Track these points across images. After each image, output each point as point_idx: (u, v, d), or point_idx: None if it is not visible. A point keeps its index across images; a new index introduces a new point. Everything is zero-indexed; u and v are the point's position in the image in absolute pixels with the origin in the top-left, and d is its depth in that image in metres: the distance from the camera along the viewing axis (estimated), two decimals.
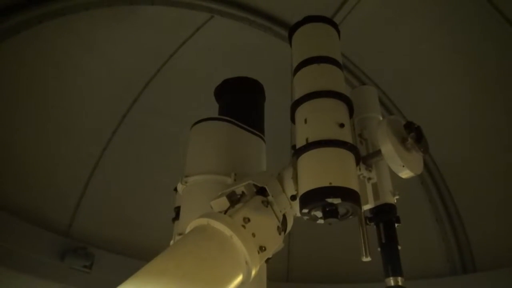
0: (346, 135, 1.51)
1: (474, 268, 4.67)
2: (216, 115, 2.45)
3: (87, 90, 4.62)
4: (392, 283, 1.50)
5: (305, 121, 1.58)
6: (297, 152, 1.54)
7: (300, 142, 1.55)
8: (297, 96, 1.69)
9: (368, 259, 1.52)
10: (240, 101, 2.56)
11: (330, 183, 1.36)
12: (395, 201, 1.65)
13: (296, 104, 1.67)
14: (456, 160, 4.76)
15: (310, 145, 1.48)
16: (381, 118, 1.85)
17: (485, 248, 4.62)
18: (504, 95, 4.40)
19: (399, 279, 1.50)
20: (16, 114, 4.19)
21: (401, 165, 1.48)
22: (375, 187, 1.61)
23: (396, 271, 1.51)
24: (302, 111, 1.63)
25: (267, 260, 1.68)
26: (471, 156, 4.66)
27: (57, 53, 4.34)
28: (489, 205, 4.61)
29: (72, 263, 4.21)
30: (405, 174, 1.53)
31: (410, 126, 1.53)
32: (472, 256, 4.72)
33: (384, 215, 1.62)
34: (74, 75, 4.52)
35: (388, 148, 1.48)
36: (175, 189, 2.35)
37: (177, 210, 2.24)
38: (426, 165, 4.85)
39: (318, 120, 1.56)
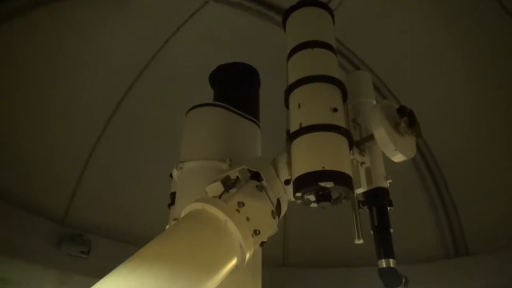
0: (339, 120, 1.51)
1: (466, 252, 4.75)
2: (211, 101, 2.46)
3: (81, 78, 4.58)
4: (384, 264, 1.53)
5: (299, 106, 1.58)
6: (291, 137, 1.55)
7: (293, 127, 1.56)
8: (291, 81, 1.69)
9: (361, 241, 1.54)
10: (235, 87, 2.56)
11: (323, 167, 1.38)
12: (388, 185, 1.67)
13: (289, 89, 1.67)
14: (451, 146, 4.80)
15: (303, 130, 1.49)
16: (375, 103, 1.86)
17: (478, 232, 4.68)
18: (500, 83, 4.41)
19: (391, 261, 1.53)
20: (10, 103, 4.16)
21: (394, 149, 1.50)
22: (368, 171, 1.63)
23: (388, 253, 1.54)
24: (295, 96, 1.64)
25: (262, 244, 1.70)
26: (466, 142, 4.69)
27: (50, 41, 4.29)
28: (482, 191, 4.66)
29: (69, 250, 4.24)
30: (398, 158, 1.54)
31: (402, 111, 1.54)
32: (464, 240, 4.79)
33: (377, 199, 1.64)
34: (68, 63, 4.48)
35: (381, 132, 1.49)
36: (171, 175, 2.36)
37: (173, 196, 2.26)
38: (420, 151, 4.88)
39: (311, 105, 1.57)
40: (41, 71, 4.29)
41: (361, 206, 1.66)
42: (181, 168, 2.16)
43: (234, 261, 1.44)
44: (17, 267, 3.84)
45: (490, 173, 4.58)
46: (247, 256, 1.48)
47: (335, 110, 1.51)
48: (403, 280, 1.55)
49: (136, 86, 4.87)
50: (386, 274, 1.53)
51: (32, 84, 4.26)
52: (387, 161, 1.69)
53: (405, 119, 1.52)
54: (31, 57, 4.24)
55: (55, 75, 4.39)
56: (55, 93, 4.42)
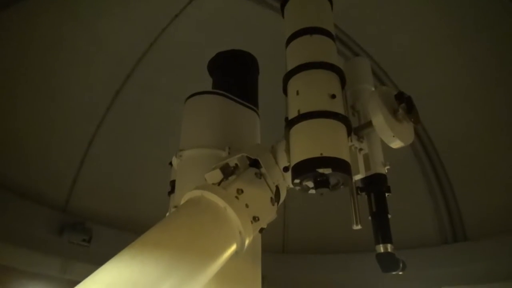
0: (337, 106, 1.52)
1: (464, 237, 4.79)
2: (210, 89, 2.45)
3: (80, 66, 4.56)
4: (381, 250, 1.55)
5: (297, 92, 1.58)
6: (289, 124, 1.56)
7: (292, 114, 1.56)
8: (289, 67, 1.68)
9: (359, 227, 1.56)
10: (234, 75, 2.55)
11: (321, 154, 1.38)
12: (386, 171, 1.68)
13: (288, 75, 1.67)
14: (450, 133, 4.80)
15: (302, 117, 1.49)
16: (373, 90, 1.86)
17: (476, 218, 4.72)
18: (499, 70, 4.39)
19: (389, 246, 1.54)
20: (10, 93, 4.15)
21: (392, 136, 1.50)
22: (366, 157, 1.63)
23: (385, 238, 1.56)
24: (294, 83, 1.64)
25: (261, 231, 1.71)
26: (465, 129, 4.69)
27: (49, 30, 4.26)
28: (480, 177, 4.68)
29: (71, 238, 4.28)
30: (396, 144, 1.55)
31: (400, 97, 1.54)
32: (463, 226, 4.83)
33: (375, 185, 1.65)
34: (66, 52, 4.45)
35: (379, 119, 1.50)
36: (170, 163, 2.37)
37: (173, 184, 2.27)
38: (420, 138, 4.89)
39: (309, 92, 1.57)
40: (40, 60, 4.27)
41: (359, 192, 1.67)
42: (180, 156, 2.17)
43: (233, 247, 1.45)
44: (21, 255, 3.88)
45: (488, 159, 4.59)
46: (247, 242, 1.49)
47: (333, 96, 1.51)
48: (401, 265, 1.56)
49: (134, 75, 4.85)
50: (384, 259, 1.55)
51: (32, 73, 4.24)
52: (386, 148, 1.70)
53: (403, 105, 1.52)
54: (30, 46, 4.21)
55: (54, 64, 4.37)
56: (54, 82, 4.40)
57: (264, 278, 1.98)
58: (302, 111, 1.50)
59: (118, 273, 1.17)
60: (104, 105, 4.74)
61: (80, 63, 4.55)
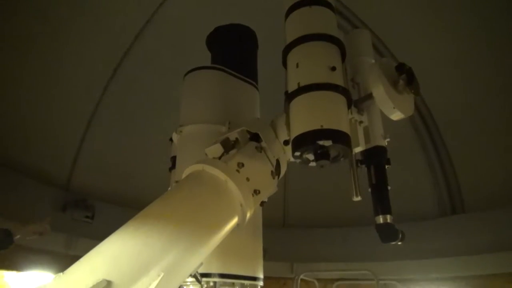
0: (337, 79, 1.51)
1: (463, 209, 4.84)
2: (209, 64, 2.43)
3: (77, 44, 4.49)
4: (381, 221, 1.57)
5: (297, 65, 1.57)
6: (289, 97, 1.55)
7: (292, 87, 1.55)
8: (288, 40, 1.66)
9: (359, 198, 1.57)
10: (233, 49, 2.52)
11: (322, 126, 1.38)
12: (386, 144, 1.68)
13: (287, 48, 1.65)
14: (449, 106, 4.78)
15: (302, 89, 1.49)
16: (373, 62, 1.84)
17: (475, 190, 4.76)
18: (500, 42, 4.33)
19: (388, 217, 1.56)
20: (10, 71, 4.11)
21: (392, 107, 1.50)
22: (366, 130, 1.63)
23: (385, 209, 1.57)
24: (293, 55, 1.62)
25: (262, 204, 1.74)
26: (465, 102, 4.66)
27: (44, 6, 4.17)
28: (479, 150, 4.69)
29: (74, 215, 4.33)
30: (396, 116, 1.55)
31: (401, 68, 1.53)
32: (461, 199, 4.87)
33: (375, 158, 1.66)
34: (63, 30, 4.38)
35: (380, 91, 1.49)
36: (171, 139, 2.38)
37: (173, 159, 2.28)
38: (419, 111, 4.87)
39: (309, 64, 1.55)
40: (38, 39, 4.20)
41: (359, 165, 1.68)
42: (180, 132, 2.18)
43: (235, 220, 1.47)
44: None
45: (488, 132, 4.59)
46: (248, 215, 1.51)
47: (333, 68, 1.50)
48: (400, 235, 1.59)
49: (132, 52, 4.78)
50: (383, 230, 1.57)
51: (30, 52, 4.19)
52: (385, 121, 1.70)
53: (403, 76, 1.51)
54: (27, 24, 4.14)
55: (52, 43, 4.30)
56: (52, 60, 4.34)
57: (265, 251, 2.02)
58: (302, 84, 1.49)
59: (122, 244, 1.19)
60: (102, 83, 4.70)
61: (77, 41, 4.48)
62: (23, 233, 2.58)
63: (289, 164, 1.81)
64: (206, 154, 1.71)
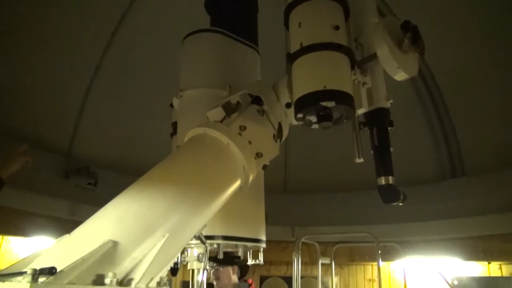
0: (341, 38, 1.47)
1: (463, 173, 4.88)
2: (208, 27, 2.37)
3: (76, 10, 4.36)
4: (383, 182, 1.57)
5: (299, 25, 1.53)
6: (291, 58, 1.52)
7: (294, 48, 1.52)
8: None
9: (361, 160, 1.57)
10: (232, 12, 2.46)
11: (325, 87, 1.36)
12: (389, 105, 1.66)
13: (289, 7, 1.60)
14: (452, 69, 4.70)
15: (304, 50, 1.45)
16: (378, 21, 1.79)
17: (475, 154, 4.77)
18: (501, 4, 4.21)
19: (390, 178, 1.56)
20: (8, 40, 4.02)
21: (397, 67, 1.47)
22: (369, 91, 1.61)
23: (387, 171, 1.57)
24: (295, 15, 1.57)
25: (264, 167, 1.74)
26: (466, 65, 4.59)
27: None
28: (481, 114, 4.66)
29: (77, 182, 4.37)
30: (401, 76, 1.52)
31: (406, 26, 1.49)
32: (462, 162, 4.90)
33: (378, 120, 1.64)
34: None
35: (384, 50, 1.46)
36: (171, 105, 2.35)
37: (174, 125, 2.27)
38: (422, 74, 4.80)
39: (312, 23, 1.51)
40: (36, 4, 4.09)
41: (361, 127, 1.67)
42: (181, 96, 2.15)
43: (237, 183, 1.48)
44: (31, 199, 3.98)
45: (490, 96, 4.55)
46: (251, 177, 1.52)
47: (336, 28, 1.46)
48: (401, 196, 1.60)
49: (129, 16, 4.65)
50: (385, 191, 1.57)
51: (28, 19, 4.08)
52: (387, 84, 1.67)
53: (409, 35, 1.47)
54: None
55: (50, 8, 4.18)
56: (50, 27, 4.24)
57: (267, 215, 2.04)
58: (304, 44, 1.46)
59: (127, 207, 1.20)
60: (100, 48, 4.61)
61: (75, 7, 4.36)
62: (9, 169, 2.51)
63: (291, 129, 1.80)
64: (207, 118, 1.70)
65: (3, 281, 0.90)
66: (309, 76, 1.45)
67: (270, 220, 2.66)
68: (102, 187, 4.46)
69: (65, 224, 4.06)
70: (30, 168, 2.54)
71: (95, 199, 4.21)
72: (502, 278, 4.56)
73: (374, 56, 1.52)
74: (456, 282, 4.67)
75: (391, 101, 1.67)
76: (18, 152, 2.53)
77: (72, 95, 4.65)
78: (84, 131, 4.72)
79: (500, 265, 4.61)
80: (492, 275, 4.65)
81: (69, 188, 4.35)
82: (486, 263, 4.67)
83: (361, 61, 1.59)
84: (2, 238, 4.23)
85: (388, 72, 1.50)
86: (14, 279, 0.91)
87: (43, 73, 4.31)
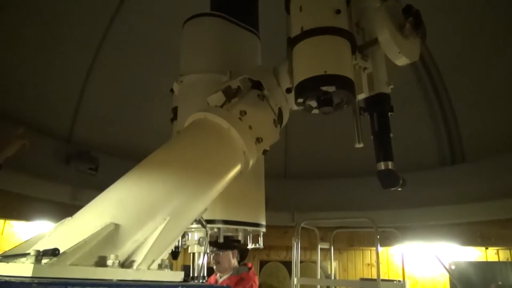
0: (342, 22, 1.45)
1: (463, 159, 4.89)
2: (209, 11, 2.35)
3: None
4: (382, 167, 1.57)
5: (300, 8, 1.51)
6: (292, 42, 1.50)
7: (295, 32, 1.51)
8: None
9: (361, 145, 1.58)
10: None
11: (325, 72, 1.35)
12: (390, 91, 1.66)
13: None
14: (453, 54, 4.67)
15: (305, 34, 1.44)
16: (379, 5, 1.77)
17: (475, 140, 4.77)
18: None
19: (390, 163, 1.56)
20: (7, 24, 3.98)
21: (398, 52, 1.46)
22: (370, 77, 1.60)
23: (387, 156, 1.57)
24: None
25: (265, 152, 1.74)
26: (467, 51, 4.56)
27: None
28: (482, 100, 4.65)
29: (78, 167, 4.37)
30: (402, 61, 1.51)
31: (408, 11, 1.47)
32: (462, 149, 4.90)
33: (378, 105, 1.63)
34: None
35: (385, 34, 1.44)
36: (171, 90, 2.35)
37: (175, 110, 2.26)
38: (423, 59, 4.77)
39: (313, 7, 1.49)
40: None
41: (362, 112, 1.67)
42: (181, 81, 2.14)
43: (238, 167, 1.49)
44: (33, 184, 3.99)
45: (490, 83, 4.52)
46: (251, 162, 1.52)
47: (338, 12, 1.44)
48: (401, 181, 1.61)
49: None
50: (385, 176, 1.58)
51: (28, 4, 4.03)
52: (388, 70, 1.66)
53: (410, 19, 1.46)
54: None
55: None
56: (50, 11, 4.19)
57: (268, 200, 2.05)
58: (305, 28, 1.45)
59: (128, 190, 1.21)
60: (99, 31, 4.56)
61: None
62: (6, 153, 2.50)
63: (290, 115, 1.79)
64: (208, 103, 1.70)
65: (7, 262, 0.92)
66: (309, 61, 1.44)
67: (270, 205, 2.68)
68: (103, 172, 4.47)
69: (67, 209, 4.05)
70: (27, 151, 2.53)
71: (96, 184, 4.21)
72: (499, 263, 4.61)
73: (375, 41, 1.51)
74: (453, 267, 4.73)
75: (391, 86, 1.66)
76: (15, 135, 2.52)
77: (72, 81, 4.63)
78: (84, 116, 4.72)
79: (497, 250, 4.66)
80: (489, 260, 4.71)
81: (71, 173, 4.36)
82: (484, 248, 4.72)
83: (362, 46, 1.57)
84: (5, 222, 4.27)
85: (389, 57, 1.49)
86: (18, 260, 0.93)
87: (42, 56, 4.28)
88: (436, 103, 4.97)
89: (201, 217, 1.44)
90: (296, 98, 1.46)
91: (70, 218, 1.18)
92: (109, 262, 0.99)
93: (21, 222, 4.29)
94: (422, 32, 1.49)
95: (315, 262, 4.76)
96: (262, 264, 6.00)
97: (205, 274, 1.82)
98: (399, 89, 1.77)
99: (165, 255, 1.25)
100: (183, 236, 1.83)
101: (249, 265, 3.31)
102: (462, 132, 4.89)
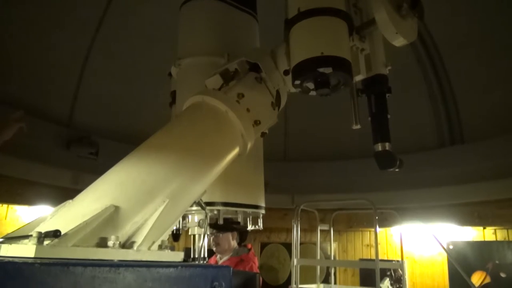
0: (339, 3, 1.45)
1: (462, 140, 4.89)
2: None
3: None
4: (380, 148, 1.58)
5: None
6: (288, 24, 1.50)
7: (291, 14, 1.50)
8: None
9: (358, 126, 1.58)
10: None
11: (322, 53, 1.35)
12: (387, 72, 1.65)
13: None
14: (453, 35, 4.62)
15: (301, 15, 1.43)
16: None
17: (474, 122, 4.77)
18: None
19: (387, 144, 1.58)
20: (4, 7, 3.93)
21: (395, 33, 1.45)
22: (367, 58, 1.60)
23: (384, 137, 1.58)
24: None
25: (263, 135, 1.75)
26: (468, 31, 4.51)
27: None
28: (482, 81, 4.62)
29: (78, 151, 4.39)
30: (399, 42, 1.51)
31: None
32: (461, 130, 4.90)
33: (376, 86, 1.63)
34: None
35: (382, 14, 1.44)
36: (169, 74, 2.34)
37: (173, 94, 2.26)
38: (422, 40, 4.72)
39: None
40: None
41: (359, 94, 1.67)
42: (179, 65, 2.14)
43: (236, 150, 1.50)
44: (35, 169, 4.02)
45: (490, 62, 4.48)
46: (249, 145, 1.53)
47: None
48: (398, 162, 1.62)
49: None
50: (382, 157, 1.59)
51: None
52: (387, 51, 1.65)
53: None
54: None
55: None
56: None
57: (267, 184, 2.07)
58: (302, 9, 1.44)
59: (127, 173, 1.22)
60: (96, 15, 4.51)
61: None
62: (3, 136, 2.49)
63: (289, 97, 1.79)
64: (205, 86, 1.70)
65: (10, 244, 0.94)
66: (306, 42, 1.44)
67: (270, 187, 2.70)
68: (103, 156, 4.49)
69: (69, 193, 4.07)
70: (25, 136, 2.53)
71: (97, 169, 4.22)
72: (496, 242, 4.67)
73: (372, 22, 1.51)
74: (451, 247, 4.79)
75: (389, 67, 1.65)
76: (13, 118, 2.51)
77: (70, 65, 4.60)
78: (83, 100, 4.71)
79: (495, 230, 4.71)
80: (487, 239, 4.76)
81: (71, 158, 4.38)
82: (481, 228, 4.77)
83: (360, 26, 1.57)
84: (8, 207, 4.31)
85: (386, 37, 1.49)
86: (20, 241, 0.95)
87: (40, 40, 4.25)
88: (435, 84, 4.94)
89: (201, 199, 1.46)
90: (293, 80, 1.47)
91: (70, 200, 1.19)
92: (110, 243, 1.01)
93: (24, 206, 4.33)
94: (419, 12, 1.48)
95: (315, 244, 4.80)
96: (263, 246, 6.07)
97: (206, 256, 1.86)
98: (398, 71, 1.77)
99: (165, 236, 1.27)
100: (183, 219, 1.85)
101: (249, 246, 3.36)
102: (461, 113, 4.88)
